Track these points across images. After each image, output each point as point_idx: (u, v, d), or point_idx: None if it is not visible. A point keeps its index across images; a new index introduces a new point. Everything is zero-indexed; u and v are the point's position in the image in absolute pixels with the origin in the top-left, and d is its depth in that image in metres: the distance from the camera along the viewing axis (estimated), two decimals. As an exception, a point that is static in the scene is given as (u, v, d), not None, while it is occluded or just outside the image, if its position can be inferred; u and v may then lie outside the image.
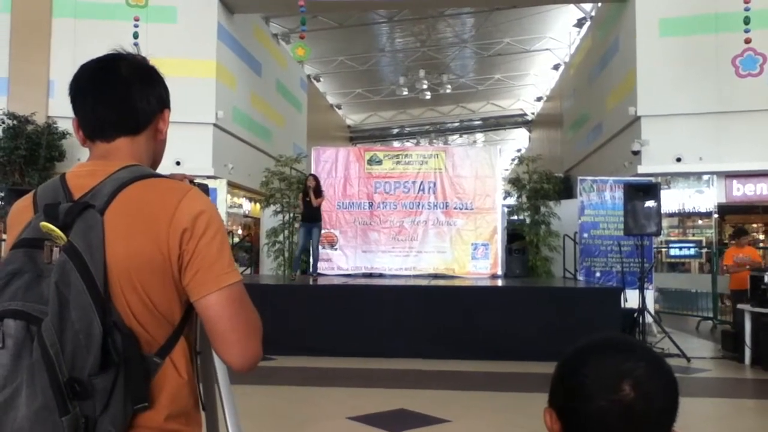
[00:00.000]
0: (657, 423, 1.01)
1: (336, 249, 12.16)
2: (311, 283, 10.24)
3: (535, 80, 28.37)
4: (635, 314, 8.84)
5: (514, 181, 13.86)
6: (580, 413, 1.02)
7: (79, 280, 1.14)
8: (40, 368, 1.10)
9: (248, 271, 14.42)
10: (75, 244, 1.17)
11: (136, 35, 11.12)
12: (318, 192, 10.68)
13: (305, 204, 10.68)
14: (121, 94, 1.34)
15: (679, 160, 13.99)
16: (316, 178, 10.97)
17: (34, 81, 14.47)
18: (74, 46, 13.91)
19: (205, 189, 1.38)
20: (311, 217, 10.71)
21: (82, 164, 1.36)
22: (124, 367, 1.16)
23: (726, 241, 15.69)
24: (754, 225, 16.84)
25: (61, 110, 13.86)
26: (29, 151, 13.64)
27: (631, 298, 9.25)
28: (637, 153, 14.16)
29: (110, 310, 1.18)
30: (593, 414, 1.00)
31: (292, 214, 12.68)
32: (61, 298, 1.13)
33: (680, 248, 15.65)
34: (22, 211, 1.31)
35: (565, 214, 12.57)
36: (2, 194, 12.15)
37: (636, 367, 1.01)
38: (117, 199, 1.24)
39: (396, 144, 33.73)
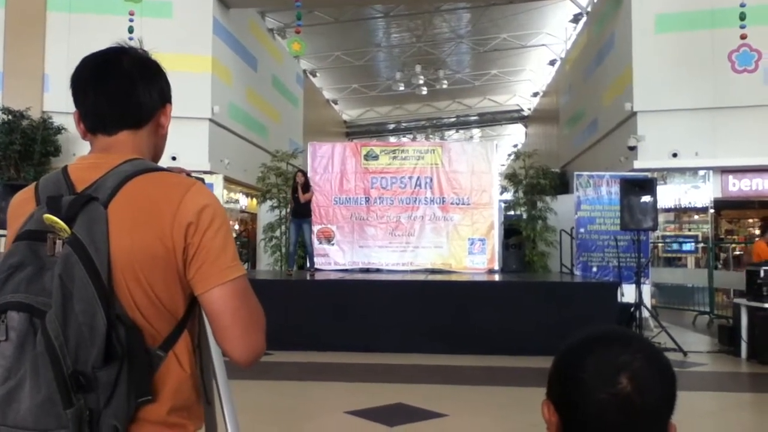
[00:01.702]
0: (655, 415, 1.02)
1: (333, 244, 12.16)
2: (308, 278, 10.25)
3: (531, 76, 28.39)
4: (632, 309, 8.87)
5: (511, 177, 13.88)
6: (577, 406, 1.03)
7: (84, 272, 1.14)
8: (44, 361, 1.10)
9: (245, 267, 14.39)
10: (79, 236, 1.17)
11: (131, 30, 11.07)
12: (306, 188, 10.70)
13: (295, 200, 10.70)
14: (123, 88, 1.34)
15: (675, 155, 14.02)
16: (304, 174, 10.98)
17: (29, 76, 14.42)
18: (69, 41, 13.86)
19: None
20: (301, 212, 10.73)
21: (83, 157, 1.36)
22: (128, 360, 1.17)
23: (722, 236, 15.75)
24: (750, 220, 16.89)
25: (56, 105, 13.82)
26: (24, 146, 13.60)
27: (627, 293, 9.27)
28: (633, 148, 14.18)
29: (114, 303, 1.18)
30: (591, 406, 1.01)
31: (288, 210, 12.68)
32: (65, 290, 1.13)
33: (680, 243, 15.70)
34: (22, 203, 1.30)
35: (561, 209, 12.60)
36: (-2, 190, 12.10)
37: (633, 360, 1.01)
38: (121, 192, 1.24)
39: (392, 139, 33.70)
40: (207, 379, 1.44)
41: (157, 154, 1.44)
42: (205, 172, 13.19)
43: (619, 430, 1.00)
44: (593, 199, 11.48)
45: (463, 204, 12.14)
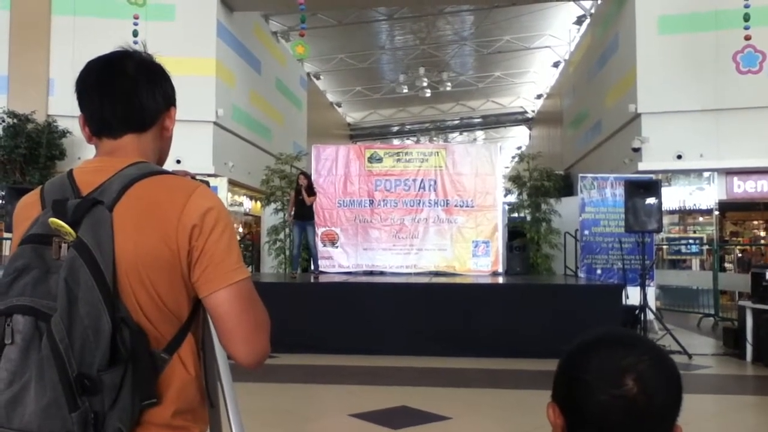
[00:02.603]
0: (660, 417, 1.01)
1: (337, 247, 12.16)
2: (312, 281, 10.24)
3: (535, 78, 28.38)
4: (636, 311, 8.84)
5: (515, 179, 13.87)
6: (583, 408, 1.02)
7: (89, 276, 1.15)
8: (50, 364, 1.10)
9: (250, 270, 14.38)
10: (84, 240, 1.17)
11: (135, 33, 11.10)
12: (310, 190, 10.68)
13: (298, 202, 10.68)
14: (128, 92, 1.35)
15: (679, 157, 14.00)
16: (308, 177, 10.95)
17: (34, 79, 14.47)
18: (74, 44, 13.90)
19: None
20: (304, 215, 10.71)
21: (88, 161, 1.37)
22: (133, 363, 1.17)
23: (727, 238, 15.70)
24: (755, 222, 16.84)
25: (61, 109, 13.86)
26: (29, 149, 13.64)
27: (632, 295, 9.25)
28: (637, 150, 14.16)
29: (119, 306, 1.19)
30: (596, 408, 1.01)
31: (289, 213, 12.69)
32: (70, 294, 1.13)
33: (686, 245, 15.66)
34: (28, 206, 1.31)
35: (565, 211, 12.58)
36: (2, 193, 12.14)
37: (639, 362, 1.01)
38: (126, 195, 1.24)
39: (396, 142, 33.72)
40: (211, 381, 1.44)
41: (161, 158, 1.45)
42: (210, 175, 13.21)
43: (624, 432, 1.00)
44: (597, 201, 11.46)
45: (467, 206, 12.13)
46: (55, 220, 1.17)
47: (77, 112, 1.38)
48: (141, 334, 1.20)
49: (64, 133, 14.06)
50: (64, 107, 13.43)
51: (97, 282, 1.15)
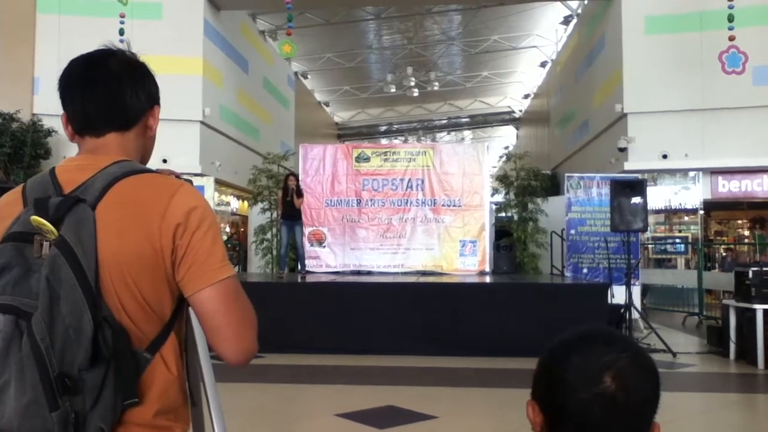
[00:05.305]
0: (639, 414, 1.02)
1: (324, 246, 12.15)
2: (299, 280, 10.23)
3: (522, 77, 28.46)
4: (622, 310, 8.89)
5: (502, 178, 13.92)
6: (562, 405, 1.03)
7: (71, 274, 1.14)
8: (30, 363, 1.10)
9: (236, 269, 14.36)
10: (66, 238, 1.16)
11: (122, 32, 11.04)
12: (299, 192, 10.68)
13: (286, 203, 10.66)
14: (111, 90, 1.34)
15: (665, 156, 14.10)
16: (297, 178, 10.94)
17: (19, 78, 14.34)
18: (59, 43, 13.80)
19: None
20: (293, 215, 10.70)
21: (71, 159, 1.36)
22: (115, 362, 1.16)
23: (712, 238, 15.83)
24: (739, 221, 16.99)
25: (46, 107, 13.76)
26: (14, 148, 13.52)
27: (617, 294, 9.30)
28: (623, 150, 14.24)
29: (101, 305, 1.18)
30: (575, 406, 1.01)
31: (277, 213, 12.67)
32: (51, 292, 1.12)
33: (672, 244, 15.77)
34: (10, 204, 1.29)
35: (552, 210, 12.64)
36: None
37: (617, 359, 1.01)
38: (109, 193, 1.24)
39: (384, 141, 33.72)
40: (193, 380, 1.43)
41: (145, 156, 1.44)
42: (196, 175, 13.15)
43: (603, 429, 1.01)
44: (584, 200, 11.52)
45: (455, 206, 12.16)
46: (36, 218, 1.16)
47: (62, 111, 1.37)
48: (123, 334, 1.20)
49: (49, 132, 13.95)
50: (49, 106, 13.32)
51: (79, 281, 1.14)
